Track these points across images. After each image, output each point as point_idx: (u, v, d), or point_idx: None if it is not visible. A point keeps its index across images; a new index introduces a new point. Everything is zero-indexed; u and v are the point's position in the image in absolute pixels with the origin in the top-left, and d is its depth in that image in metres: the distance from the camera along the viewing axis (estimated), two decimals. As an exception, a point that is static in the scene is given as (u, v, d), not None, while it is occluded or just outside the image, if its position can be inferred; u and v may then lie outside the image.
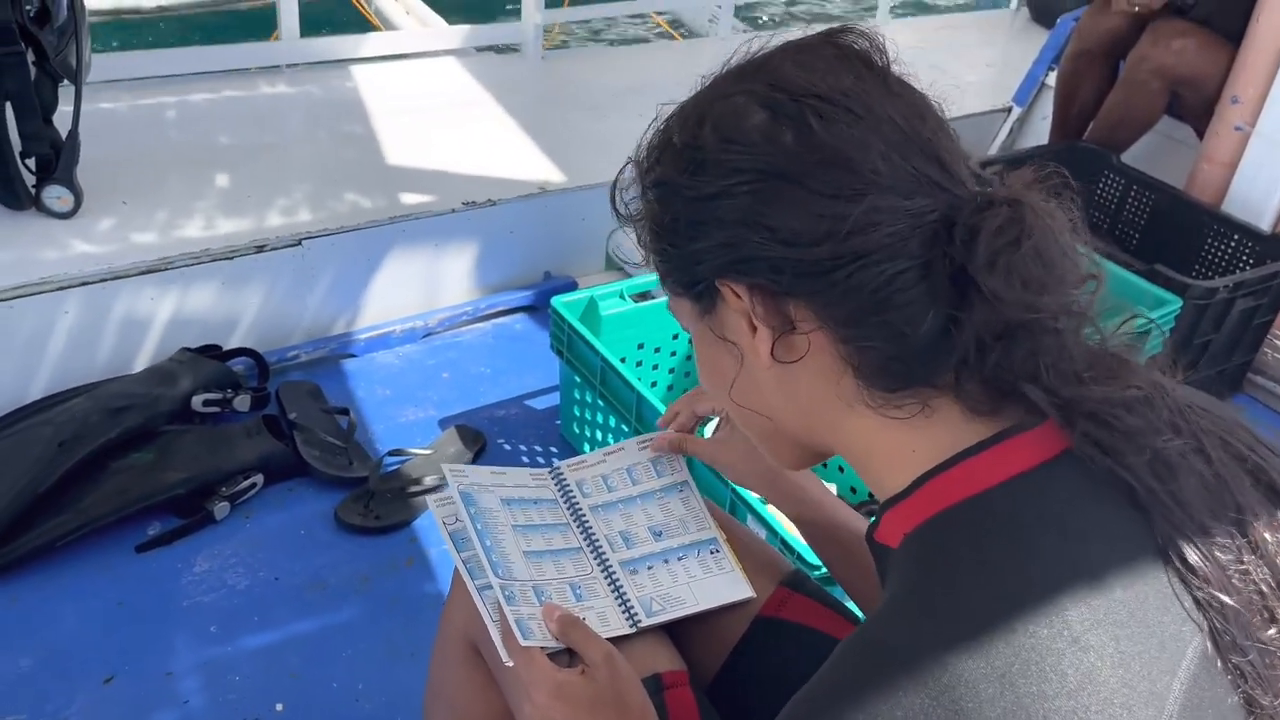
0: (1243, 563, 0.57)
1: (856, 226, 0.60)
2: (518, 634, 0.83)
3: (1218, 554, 0.57)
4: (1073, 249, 0.61)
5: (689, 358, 1.94)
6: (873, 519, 0.68)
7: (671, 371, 1.93)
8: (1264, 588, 0.57)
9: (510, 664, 0.84)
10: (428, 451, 1.81)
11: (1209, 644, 0.56)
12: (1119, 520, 0.58)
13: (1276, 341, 2.21)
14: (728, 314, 0.67)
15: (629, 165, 0.71)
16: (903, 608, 0.57)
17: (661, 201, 0.67)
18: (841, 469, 1.78)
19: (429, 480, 1.74)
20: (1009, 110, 2.97)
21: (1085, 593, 0.54)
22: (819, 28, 0.68)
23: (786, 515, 0.99)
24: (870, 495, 1.75)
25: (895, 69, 0.66)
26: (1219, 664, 0.56)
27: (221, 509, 1.65)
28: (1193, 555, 0.56)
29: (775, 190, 0.61)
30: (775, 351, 0.65)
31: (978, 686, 0.51)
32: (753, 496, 1.42)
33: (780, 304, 0.64)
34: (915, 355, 0.62)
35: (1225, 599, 0.56)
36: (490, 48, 3.05)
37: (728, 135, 0.63)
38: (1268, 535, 0.59)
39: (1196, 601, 0.56)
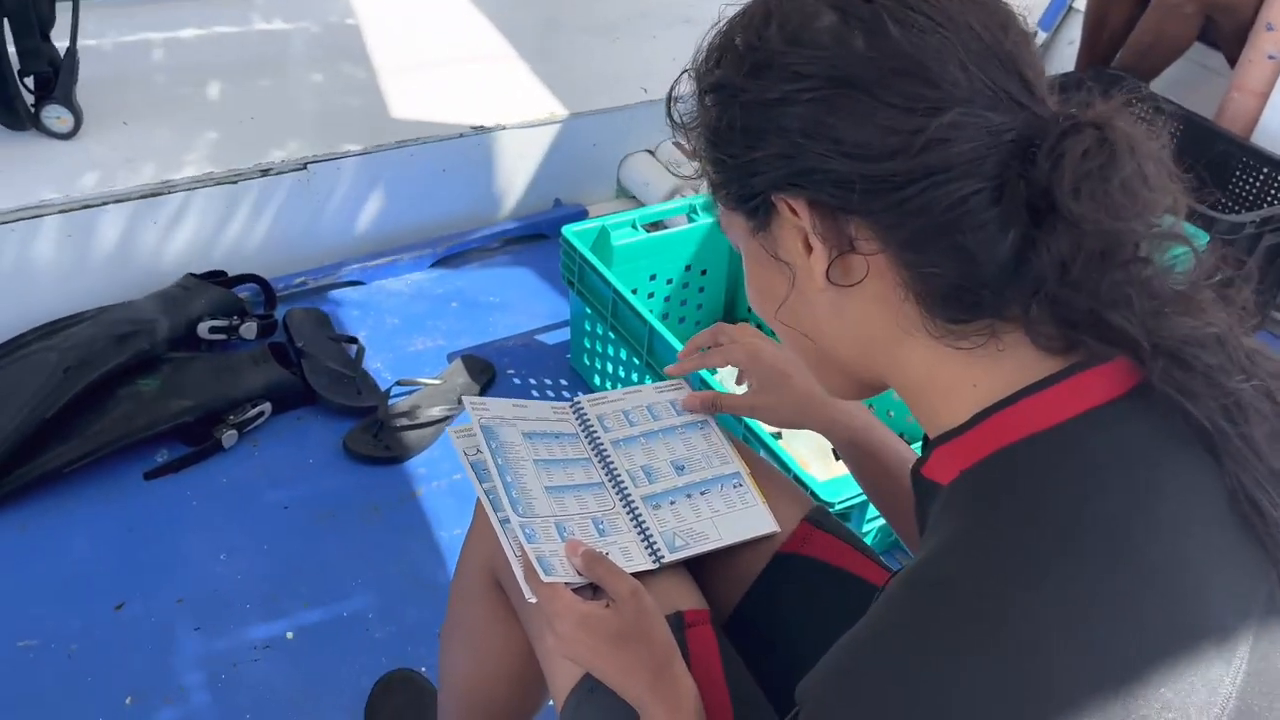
0: None
1: (931, 141, 0.56)
2: (539, 570, 0.82)
3: None
4: (1158, 178, 0.57)
5: (702, 290, 1.90)
6: (921, 454, 0.65)
7: (684, 304, 1.90)
8: None
9: (533, 600, 0.83)
10: (437, 382, 1.79)
11: (1277, 588, 0.55)
12: (1190, 461, 0.56)
13: (1302, 278, 2.17)
14: (783, 231, 0.63)
15: (687, 73, 0.66)
16: (964, 546, 0.55)
17: (719, 106, 0.63)
18: (891, 413, 1.75)
19: (438, 411, 1.73)
20: (1034, 35, 2.88)
21: (1157, 534, 0.53)
22: None
23: (833, 442, 0.96)
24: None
25: None
26: None
27: (230, 437, 1.64)
28: (1262, 499, 0.55)
29: (843, 98, 0.57)
30: (831, 273, 0.61)
31: (1048, 626, 0.50)
32: (766, 433, 1.40)
33: (840, 222, 0.60)
34: (985, 283, 0.58)
35: None
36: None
37: (794, 36, 0.59)
38: None
39: (1266, 548, 0.55)
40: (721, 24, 0.64)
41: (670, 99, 0.68)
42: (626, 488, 0.96)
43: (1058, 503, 0.54)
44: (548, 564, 0.83)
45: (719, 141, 0.64)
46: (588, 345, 1.82)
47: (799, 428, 0.98)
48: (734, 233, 0.69)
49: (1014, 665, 0.49)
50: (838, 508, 1.30)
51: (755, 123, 0.61)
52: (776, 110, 0.59)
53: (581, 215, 2.21)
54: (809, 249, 0.62)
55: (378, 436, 1.69)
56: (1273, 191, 2.15)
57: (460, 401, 1.76)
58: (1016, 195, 0.57)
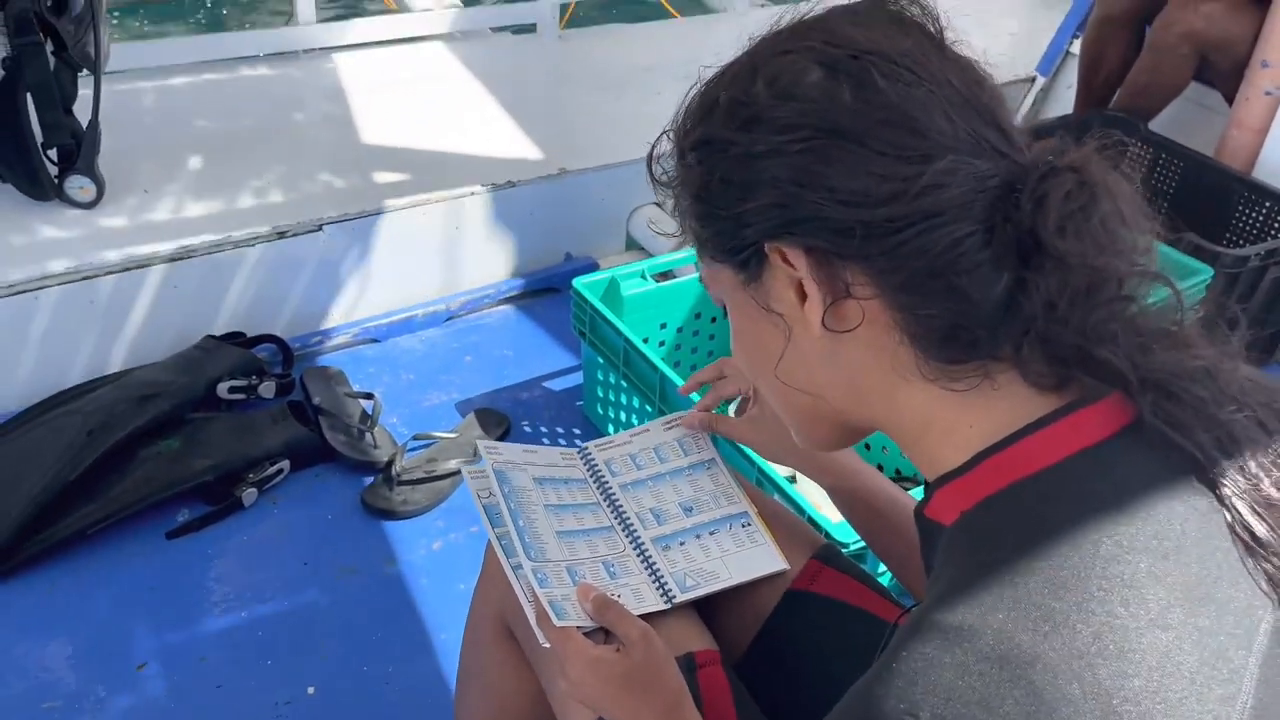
0: None
1: (926, 187, 0.58)
2: (552, 615, 0.83)
3: None
4: (1134, 218, 0.60)
5: (712, 337, 1.93)
6: (922, 496, 0.66)
7: (694, 351, 1.92)
8: None
9: (546, 645, 0.84)
10: (452, 435, 1.81)
11: None
12: (1187, 495, 0.57)
13: (1310, 310, 2.17)
14: (774, 282, 0.64)
15: (664, 135, 0.68)
16: (969, 588, 0.55)
17: (705, 161, 0.64)
18: (885, 449, 1.77)
19: (454, 464, 1.75)
20: (1033, 80, 2.93)
21: (1160, 570, 0.53)
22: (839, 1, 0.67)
23: (823, 486, 0.97)
24: (911, 475, 1.74)
25: (948, 36, 0.64)
26: None
27: (249, 495, 1.66)
28: (1260, 528, 0.56)
29: (834, 148, 0.59)
30: (826, 320, 0.62)
31: (1056, 668, 0.50)
32: (779, 474, 1.41)
33: (836, 268, 0.61)
34: (979, 323, 0.60)
35: None
36: (507, 28, 3.03)
37: (783, 91, 0.61)
38: None
39: (1267, 575, 0.56)
40: (701, 84, 0.66)
41: (650, 158, 0.70)
42: (636, 530, 0.97)
43: (1061, 543, 0.54)
44: (560, 608, 0.85)
45: (707, 196, 0.65)
46: (600, 394, 1.84)
47: (790, 465, 0.99)
48: (720, 287, 0.69)
49: (1020, 700, 0.50)
50: (852, 548, 1.31)
51: (746, 175, 0.62)
52: (767, 161, 0.61)
53: (592, 268, 2.24)
54: (802, 298, 0.63)
55: (394, 491, 1.70)
56: (1276, 225, 2.17)
57: (476, 454, 1.78)
58: (1006, 237, 0.59)
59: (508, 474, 0.95)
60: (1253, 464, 0.57)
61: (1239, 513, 0.56)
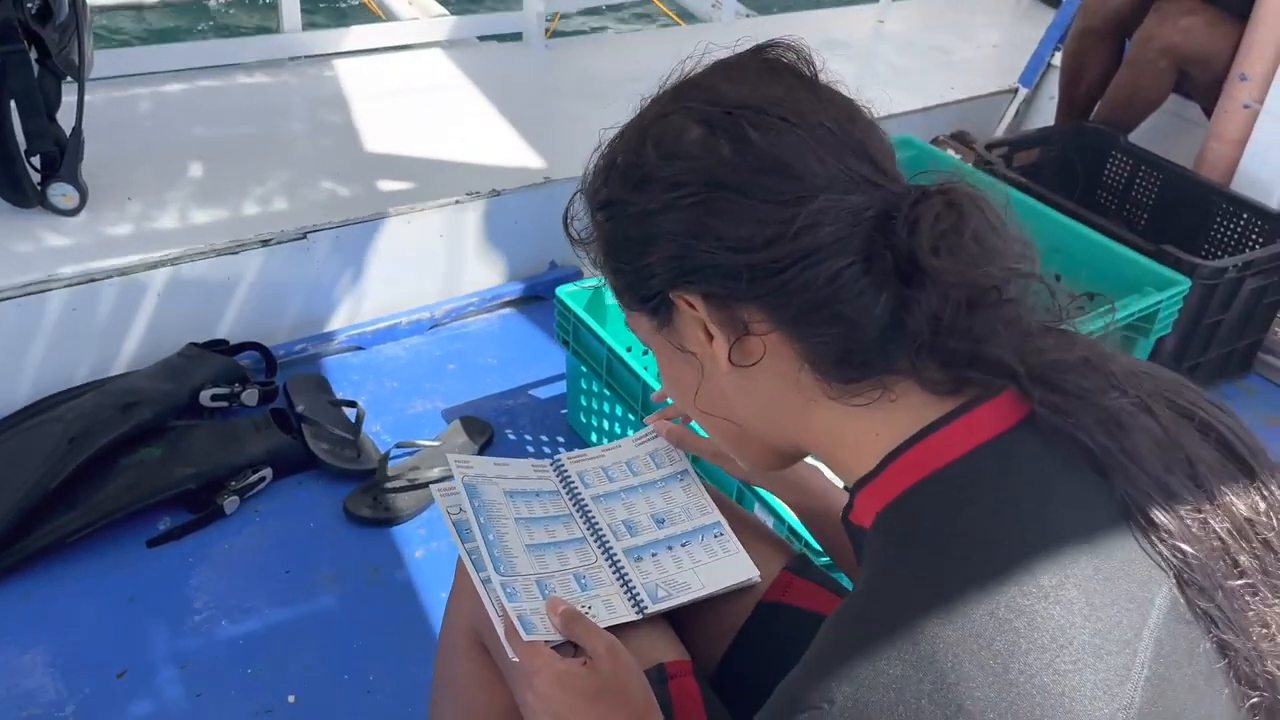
0: (1200, 512, 0.59)
1: (801, 228, 0.63)
2: (520, 629, 0.84)
3: (1176, 506, 0.59)
4: (1005, 228, 0.64)
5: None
6: (847, 502, 0.70)
7: (659, 380, 1.93)
8: (1224, 536, 0.59)
9: (515, 659, 0.84)
10: (435, 443, 1.81)
11: (1177, 593, 0.58)
12: (1080, 482, 0.60)
13: (1287, 321, 2.20)
14: (684, 324, 0.70)
15: (577, 194, 0.74)
16: (879, 581, 0.59)
17: (610, 221, 0.70)
18: (831, 468, 1.78)
19: (437, 472, 1.75)
20: (1015, 91, 2.95)
21: (1054, 552, 0.56)
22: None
23: (789, 505, 1.00)
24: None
25: (822, 77, 0.69)
26: (1187, 612, 0.58)
27: (231, 503, 1.66)
28: (1153, 509, 0.58)
29: (718, 200, 0.64)
30: (733, 356, 0.67)
31: (956, 649, 0.53)
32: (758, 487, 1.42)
33: (733, 309, 0.66)
34: (869, 343, 0.64)
35: (1188, 549, 0.58)
36: (493, 36, 3.04)
37: (668, 151, 0.66)
38: (1222, 485, 0.61)
39: (1160, 554, 0.58)
40: (603, 147, 0.72)
41: (566, 219, 0.75)
42: (608, 541, 0.97)
43: (961, 533, 0.58)
44: (529, 622, 0.85)
45: (615, 251, 0.71)
46: (584, 403, 1.85)
47: (757, 485, 1.02)
48: (641, 332, 0.75)
49: (930, 693, 0.52)
50: (825, 558, 1.32)
51: (644, 231, 0.67)
52: (661, 217, 0.66)
53: (576, 277, 2.25)
54: (710, 337, 0.68)
55: (377, 499, 1.70)
56: (1253, 237, 2.19)
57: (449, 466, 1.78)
58: (884, 263, 0.63)
59: (478, 488, 0.95)
60: (1141, 447, 0.60)
61: (1131, 495, 0.59)
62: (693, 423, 1.07)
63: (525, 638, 0.83)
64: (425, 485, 1.73)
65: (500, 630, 0.86)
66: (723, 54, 0.72)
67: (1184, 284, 1.87)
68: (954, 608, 0.54)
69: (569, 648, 0.85)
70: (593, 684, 0.80)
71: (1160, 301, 1.81)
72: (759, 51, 0.70)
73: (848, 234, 0.63)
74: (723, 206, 0.64)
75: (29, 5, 1.79)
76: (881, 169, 0.66)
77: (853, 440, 0.67)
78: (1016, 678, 0.52)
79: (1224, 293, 1.99)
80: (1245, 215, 2.21)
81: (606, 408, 1.78)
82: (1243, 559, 0.59)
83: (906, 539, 0.60)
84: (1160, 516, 0.58)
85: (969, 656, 0.53)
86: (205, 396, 1.79)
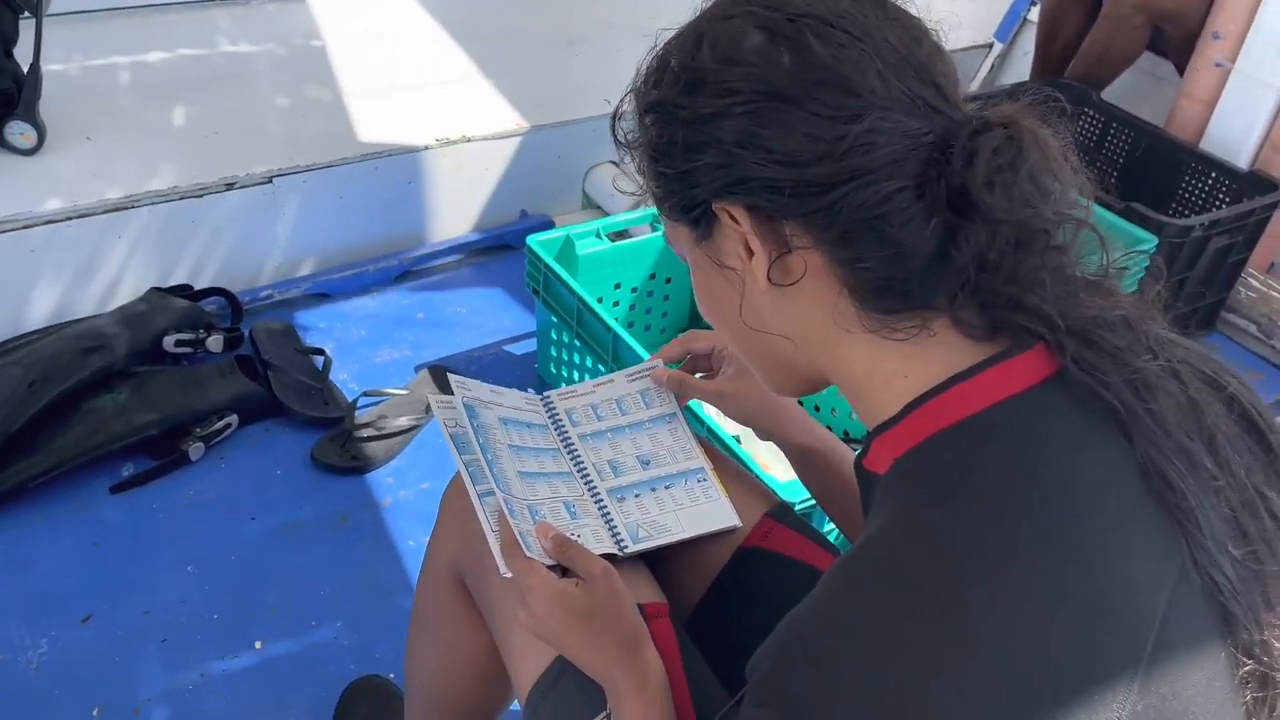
0: (1216, 480, 0.60)
1: (853, 146, 0.60)
2: (521, 544, 0.83)
3: (1194, 472, 0.59)
4: (1064, 172, 0.62)
5: (666, 298, 1.93)
6: (861, 447, 0.69)
7: (649, 311, 1.93)
8: (1236, 506, 0.60)
9: (509, 574, 0.83)
10: (403, 392, 1.80)
11: (1188, 558, 0.58)
12: (1105, 441, 0.59)
13: (1250, 280, 2.22)
14: (724, 238, 0.67)
15: (629, 94, 0.70)
16: (894, 534, 0.58)
17: (659, 124, 0.67)
18: (835, 411, 1.79)
19: (405, 421, 1.74)
20: (990, 46, 2.94)
21: (1075, 513, 0.56)
22: None
23: (790, 447, 0.99)
24: (859, 438, 1.76)
25: None
26: (1196, 578, 0.58)
27: (196, 449, 1.65)
28: (1172, 474, 0.58)
29: (772, 110, 0.62)
30: (772, 274, 0.65)
31: (974, 610, 0.53)
32: (726, 434, 1.43)
33: (776, 225, 0.64)
34: (912, 274, 0.63)
35: (1200, 516, 0.58)
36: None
37: (725, 55, 0.63)
38: (1239, 457, 0.61)
39: (1175, 519, 0.58)
40: (657, 47, 0.69)
41: (614, 118, 0.72)
42: (592, 480, 0.98)
43: (983, 486, 0.57)
44: (525, 543, 0.85)
45: (660, 157, 0.68)
46: (554, 354, 1.84)
47: (756, 425, 1.00)
48: (679, 244, 0.73)
49: (945, 639, 0.52)
50: (799, 508, 1.33)
51: (693, 137, 0.65)
52: (712, 124, 0.63)
53: (547, 226, 2.23)
54: (750, 253, 0.66)
55: (345, 447, 1.70)
56: (1220, 196, 2.21)
57: (428, 410, 1.77)
58: (937, 192, 0.61)
59: (476, 409, 0.95)
60: (1166, 411, 0.60)
61: (1152, 458, 0.59)
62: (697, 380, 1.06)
63: (526, 554, 0.83)
64: (394, 435, 1.73)
65: (495, 545, 0.85)
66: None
67: (1151, 241, 1.88)
68: (976, 562, 0.54)
69: (557, 572, 0.85)
70: (587, 605, 0.80)
71: (1128, 257, 1.82)
72: None
73: (903, 157, 0.61)
74: (777, 117, 0.61)
75: (-19, -65, 1.73)
76: (944, 94, 0.63)
77: (881, 379, 0.65)
78: (1037, 637, 0.52)
79: (1189, 251, 2.01)
80: (1214, 174, 2.22)
81: (577, 358, 1.77)
82: (1251, 530, 0.60)
83: (925, 488, 0.60)
84: (1178, 481, 0.58)
85: (988, 616, 0.53)
86: (169, 342, 1.77)
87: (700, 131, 0.64)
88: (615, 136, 0.73)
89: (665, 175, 0.68)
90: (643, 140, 0.70)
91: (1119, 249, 0.66)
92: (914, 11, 0.67)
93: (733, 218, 0.65)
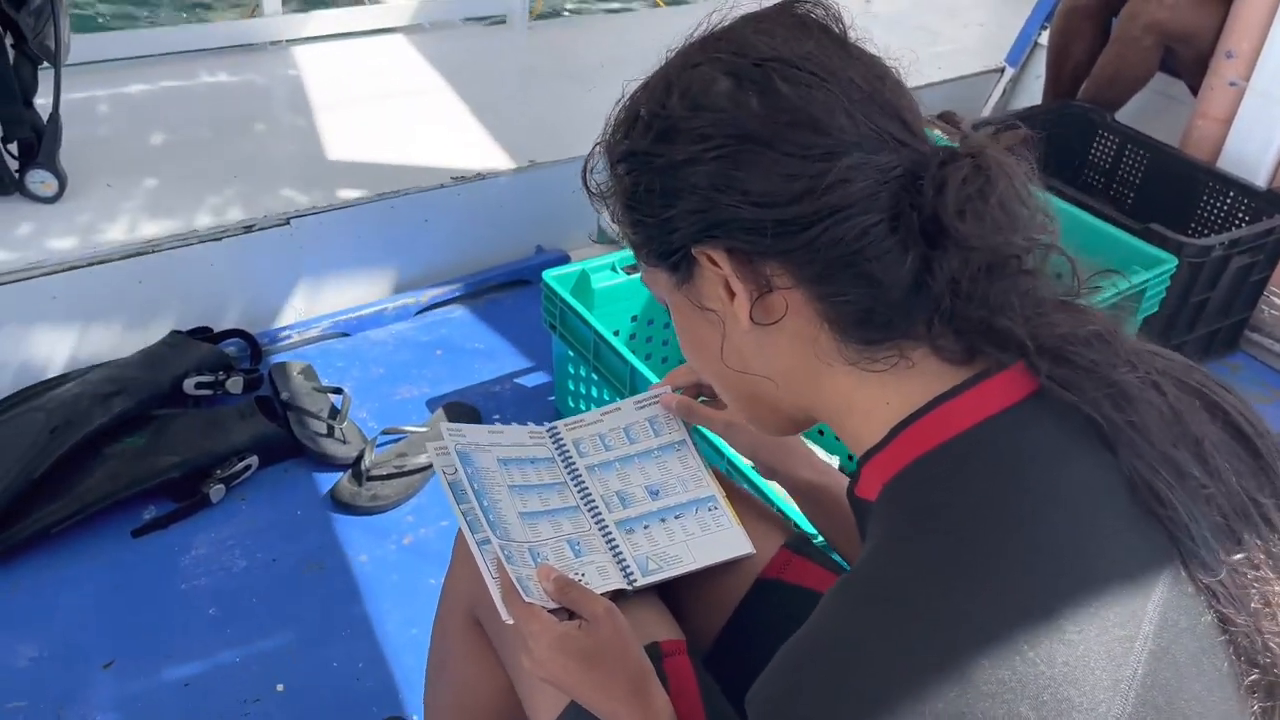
0: (1206, 488, 0.59)
1: (829, 184, 0.61)
2: (520, 590, 0.82)
3: (1182, 481, 0.59)
4: (1031, 197, 0.64)
5: (683, 329, 1.93)
6: (852, 476, 0.69)
7: (665, 344, 1.92)
8: (1228, 512, 0.60)
9: (510, 621, 0.83)
10: (422, 429, 1.80)
11: (1180, 568, 0.58)
12: (1088, 454, 0.59)
13: (1273, 298, 2.20)
14: (705, 281, 0.68)
15: (597, 147, 0.72)
16: (887, 553, 0.59)
17: (633, 173, 0.68)
18: (821, 432, 1.77)
19: (423, 459, 1.74)
20: (1002, 71, 2.94)
21: (1060, 526, 0.56)
22: None
23: (794, 483, 0.98)
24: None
25: (852, 34, 0.68)
26: (1190, 586, 0.58)
27: (217, 492, 1.65)
28: (1159, 484, 0.58)
29: (745, 153, 0.63)
30: (754, 314, 0.66)
31: (963, 623, 0.53)
32: (748, 466, 1.41)
33: (756, 265, 0.65)
34: (891, 306, 0.64)
35: (1192, 525, 0.58)
36: (476, 19, 3.01)
37: (695, 102, 0.65)
38: (1227, 463, 0.61)
39: (1165, 529, 0.58)
40: (625, 99, 0.70)
41: (585, 170, 0.73)
42: (600, 513, 0.97)
43: (970, 504, 0.58)
44: (525, 587, 0.84)
45: (636, 205, 0.69)
46: (571, 387, 1.84)
47: (759, 460, 0.99)
48: (658, 289, 0.74)
49: (938, 654, 0.53)
50: (821, 539, 1.31)
51: (668, 184, 0.66)
52: (686, 170, 0.65)
53: (562, 260, 2.24)
54: (731, 294, 0.67)
55: (363, 486, 1.69)
56: (1239, 215, 2.19)
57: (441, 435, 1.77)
58: (910, 223, 0.62)
59: (471, 455, 0.94)
60: (1148, 421, 0.60)
61: (1138, 470, 0.59)
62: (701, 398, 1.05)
63: (525, 600, 0.82)
64: (412, 472, 1.73)
65: (495, 594, 0.84)
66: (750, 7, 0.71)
67: (1170, 262, 1.87)
68: (960, 578, 0.55)
69: (561, 614, 0.84)
70: (591, 646, 0.79)
71: (1148, 280, 1.81)
72: (788, 6, 0.68)
73: (875, 192, 0.62)
74: (750, 160, 0.63)
75: (3, -11, 1.76)
76: (910, 128, 0.65)
77: (865, 408, 0.66)
78: (1023, 647, 0.52)
79: (1210, 271, 1.99)
80: (1232, 193, 2.21)
81: (594, 392, 1.77)
82: (1245, 536, 0.59)
83: (914, 509, 0.60)
84: (1166, 492, 0.58)
85: (977, 630, 0.53)
86: (189, 384, 1.78)
87: (675, 178, 0.65)
88: (588, 187, 0.74)
89: (642, 223, 0.69)
90: (616, 190, 0.71)
91: (1092, 268, 0.67)
92: (874, 50, 0.68)
93: (712, 261, 0.66)
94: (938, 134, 2.55)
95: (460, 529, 0.98)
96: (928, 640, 0.53)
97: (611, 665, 0.79)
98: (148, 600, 1.51)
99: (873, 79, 0.65)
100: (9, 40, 1.81)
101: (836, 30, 0.67)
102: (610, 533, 0.95)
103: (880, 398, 0.65)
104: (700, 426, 1.05)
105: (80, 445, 1.61)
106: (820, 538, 1.29)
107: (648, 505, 0.99)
